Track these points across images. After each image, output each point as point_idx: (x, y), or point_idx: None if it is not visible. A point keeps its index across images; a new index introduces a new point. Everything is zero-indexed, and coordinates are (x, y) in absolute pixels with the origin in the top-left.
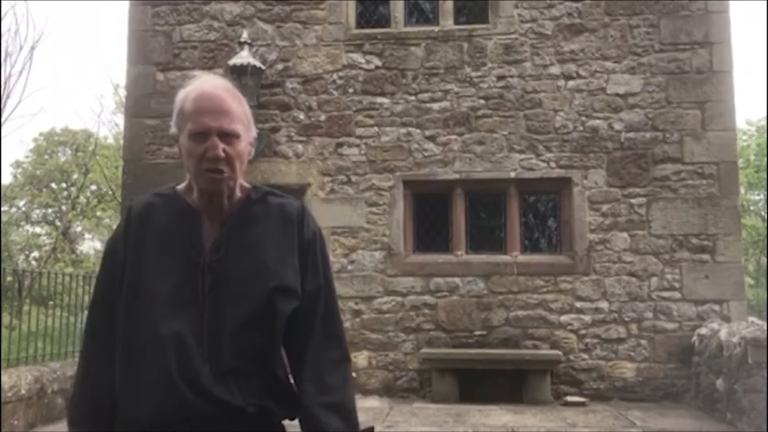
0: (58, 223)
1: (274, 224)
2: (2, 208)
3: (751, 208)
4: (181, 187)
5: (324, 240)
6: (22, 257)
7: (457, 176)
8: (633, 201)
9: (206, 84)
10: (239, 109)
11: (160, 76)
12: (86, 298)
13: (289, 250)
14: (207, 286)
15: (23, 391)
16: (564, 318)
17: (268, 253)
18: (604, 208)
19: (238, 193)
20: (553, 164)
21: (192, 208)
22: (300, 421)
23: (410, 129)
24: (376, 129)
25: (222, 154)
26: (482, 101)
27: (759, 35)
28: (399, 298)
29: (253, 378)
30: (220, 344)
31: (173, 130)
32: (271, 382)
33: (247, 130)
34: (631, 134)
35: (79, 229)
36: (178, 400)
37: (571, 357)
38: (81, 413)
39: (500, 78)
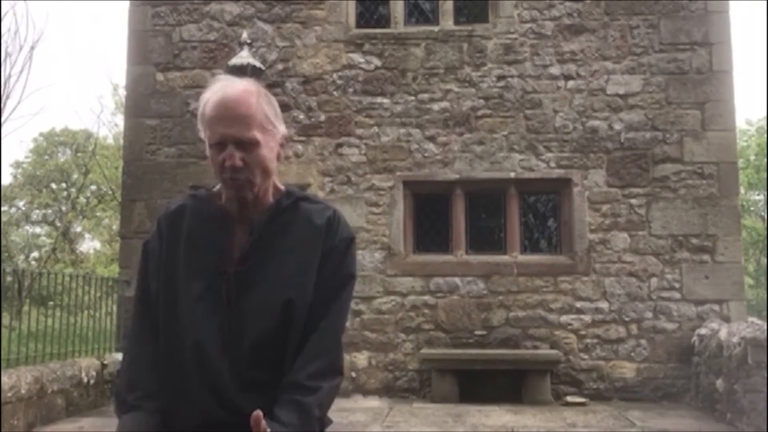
0: (58, 223)
1: (300, 234)
2: (2, 208)
3: (751, 208)
4: (217, 188)
5: (351, 249)
6: (22, 257)
7: (457, 176)
8: (633, 201)
9: (225, 87)
10: (260, 111)
11: (160, 76)
12: (86, 299)
13: (311, 261)
14: (233, 296)
15: (23, 391)
16: (564, 318)
17: (290, 266)
18: (604, 208)
19: (270, 198)
20: (553, 164)
21: (222, 212)
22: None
23: (410, 129)
24: (376, 129)
25: (239, 164)
26: (482, 101)
27: (759, 35)
28: (399, 299)
29: (278, 389)
30: (243, 355)
31: (201, 134)
32: None
33: (271, 132)
34: (631, 134)
35: (79, 229)
36: (202, 409)
37: (571, 357)
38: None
39: (500, 78)
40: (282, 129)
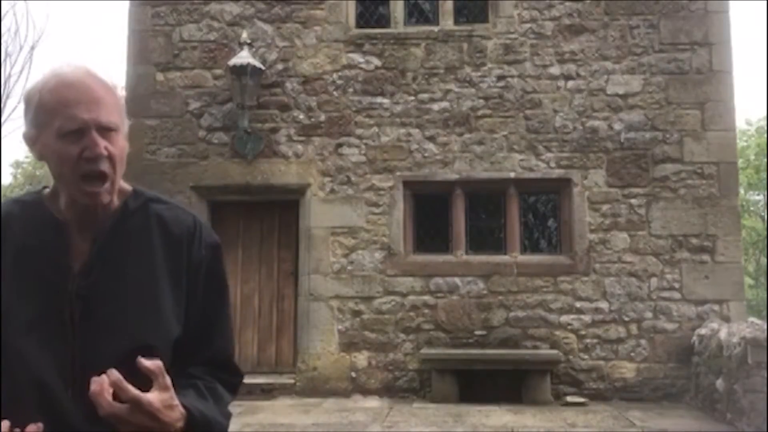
0: None
1: (153, 243)
2: None
3: (751, 208)
4: (47, 191)
5: (220, 257)
6: None
7: (457, 176)
8: (633, 201)
9: (67, 70)
10: (112, 97)
11: (160, 77)
12: None
13: (170, 276)
14: (76, 317)
15: None
16: (564, 318)
17: (144, 283)
18: (604, 208)
19: (114, 201)
20: (553, 164)
21: (58, 220)
22: None
23: (410, 129)
24: (376, 129)
25: (105, 152)
26: (482, 101)
27: (759, 35)
28: (399, 299)
29: None
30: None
31: (28, 130)
32: None
33: (123, 122)
34: (631, 134)
35: None
36: None
37: (571, 357)
38: None
39: (500, 78)
40: (127, 123)
